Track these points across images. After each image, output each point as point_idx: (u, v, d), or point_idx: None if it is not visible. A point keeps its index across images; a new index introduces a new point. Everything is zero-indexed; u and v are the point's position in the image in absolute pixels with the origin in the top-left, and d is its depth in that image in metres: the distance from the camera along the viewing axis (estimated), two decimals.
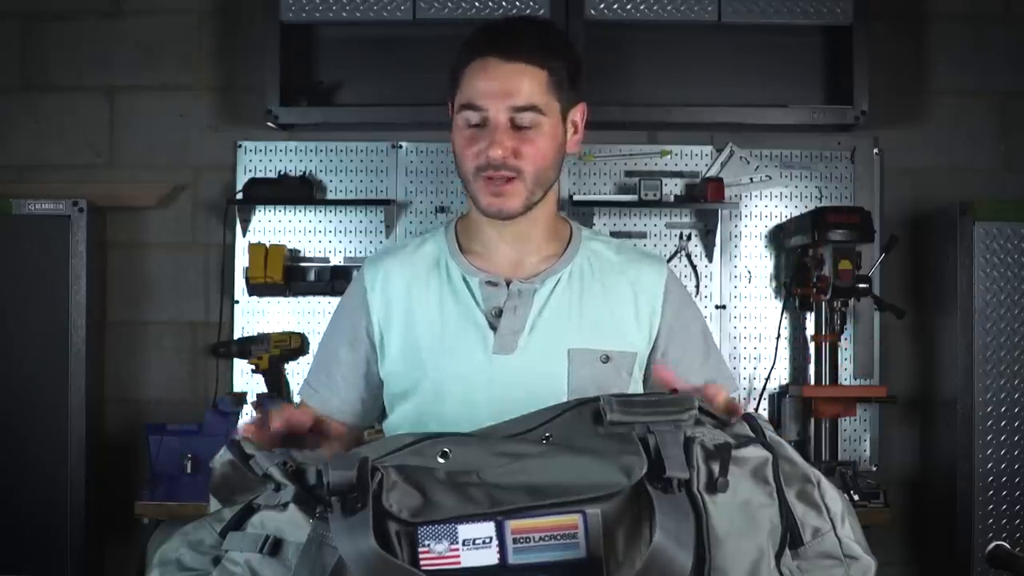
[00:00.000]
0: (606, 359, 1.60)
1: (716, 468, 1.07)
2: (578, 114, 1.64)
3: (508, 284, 1.61)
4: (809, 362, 3.34)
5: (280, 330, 3.38)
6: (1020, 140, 3.45)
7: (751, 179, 3.44)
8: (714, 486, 1.07)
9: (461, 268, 1.64)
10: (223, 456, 1.19)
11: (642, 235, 3.41)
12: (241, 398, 3.33)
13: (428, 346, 1.61)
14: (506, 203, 1.56)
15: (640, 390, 1.64)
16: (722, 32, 3.29)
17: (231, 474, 1.17)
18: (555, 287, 1.62)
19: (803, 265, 3.21)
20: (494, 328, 1.59)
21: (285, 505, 1.08)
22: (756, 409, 3.35)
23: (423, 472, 1.07)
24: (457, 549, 1.00)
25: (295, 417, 1.41)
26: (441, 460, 1.11)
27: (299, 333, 3.37)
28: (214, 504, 1.18)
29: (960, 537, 3.06)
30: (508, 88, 1.53)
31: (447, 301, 1.63)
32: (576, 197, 3.39)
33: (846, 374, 3.36)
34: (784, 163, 3.45)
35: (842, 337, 3.27)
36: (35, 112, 3.47)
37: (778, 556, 1.11)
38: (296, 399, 1.84)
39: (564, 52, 1.60)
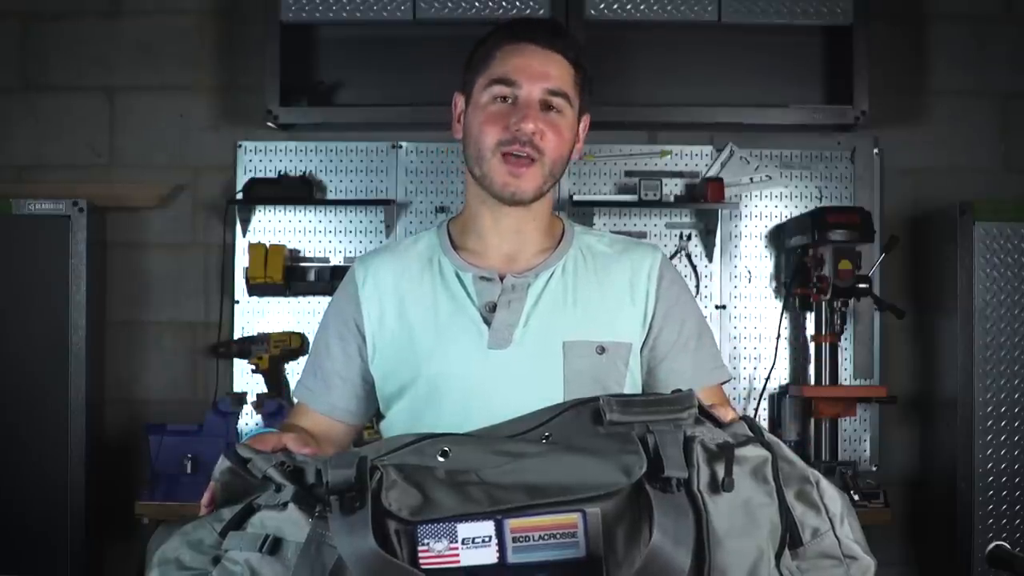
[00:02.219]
0: (601, 350, 1.59)
1: (719, 468, 1.07)
2: (584, 123, 1.68)
3: (502, 279, 1.61)
4: (809, 362, 3.33)
5: (280, 330, 3.38)
6: (1020, 140, 3.45)
7: (751, 179, 3.44)
8: (719, 486, 1.07)
9: (454, 264, 1.64)
10: (222, 465, 1.18)
11: (642, 235, 3.41)
12: (241, 398, 3.34)
13: (422, 342, 1.61)
14: (522, 184, 1.58)
15: (637, 380, 1.64)
16: (722, 32, 3.28)
17: (232, 481, 1.17)
18: (549, 280, 1.63)
19: (803, 265, 3.21)
20: (488, 323, 1.59)
21: (285, 505, 1.08)
22: (756, 409, 3.36)
23: (423, 471, 1.07)
24: (456, 548, 1.00)
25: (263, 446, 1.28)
26: (440, 459, 1.11)
27: (299, 333, 3.37)
28: (225, 511, 1.17)
29: (960, 537, 3.06)
30: (545, 69, 1.58)
31: (440, 297, 1.63)
32: (576, 197, 3.39)
33: (846, 374, 3.36)
34: (784, 163, 3.45)
35: (842, 337, 3.27)
36: (35, 112, 3.47)
37: (778, 556, 1.11)
38: (294, 400, 1.83)
39: (585, 62, 1.65)
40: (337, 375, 1.68)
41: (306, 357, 3.31)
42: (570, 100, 1.59)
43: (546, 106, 1.58)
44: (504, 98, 1.58)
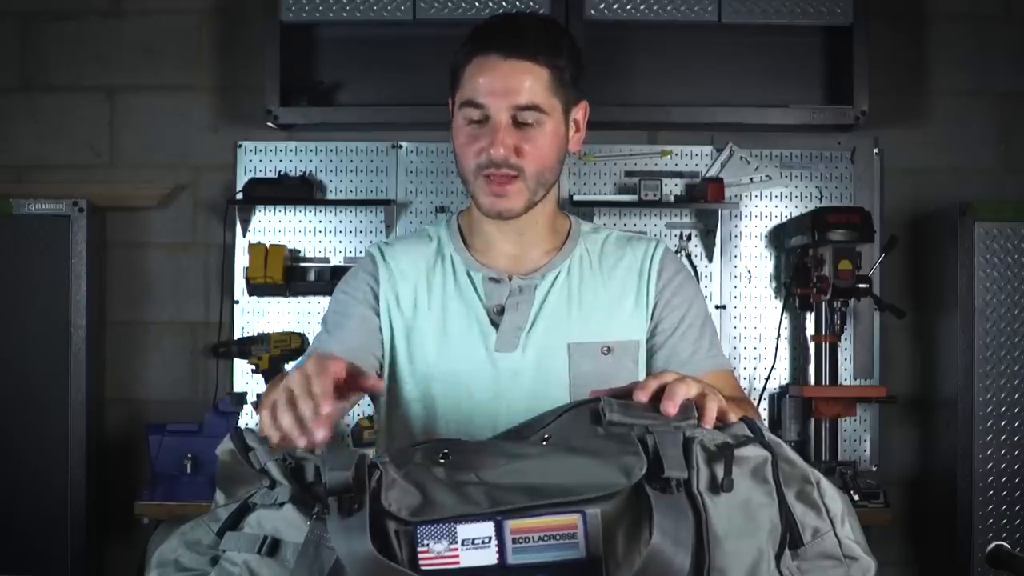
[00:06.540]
0: (607, 351, 1.59)
1: (718, 468, 1.07)
2: (580, 112, 1.63)
3: (509, 279, 1.62)
4: (809, 362, 3.34)
5: (280, 330, 3.38)
6: (1020, 140, 3.45)
7: (751, 179, 3.44)
8: (719, 486, 1.06)
9: (465, 263, 1.64)
10: (225, 444, 1.18)
11: (642, 235, 3.41)
12: (241, 398, 3.34)
13: (431, 341, 1.61)
14: (507, 203, 1.56)
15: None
16: (722, 32, 3.28)
17: (230, 462, 1.17)
18: (555, 281, 1.63)
19: (803, 265, 3.21)
20: (496, 325, 1.59)
21: (281, 504, 1.07)
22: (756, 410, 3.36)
23: (422, 470, 1.06)
24: (456, 549, 1.00)
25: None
26: (441, 460, 1.11)
27: (299, 333, 3.37)
28: (220, 496, 1.17)
29: (960, 537, 3.06)
30: (510, 86, 1.51)
31: (451, 297, 1.63)
32: (576, 197, 3.39)
33: (846, 374, 3.36)
34: (784, 163, 3.45)
35: (842, 337, 3.27)
36: (35, 112, 3.47)
37: (778, 556, 1.10)
38: (308, 348, 1.78)
39: (567, 50, 1.57)
40: (356, 332, 1.62)
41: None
42: (545, 108, 1.53)
43: (518, 122, 1.52)
44: (476, 120, 1.53)
